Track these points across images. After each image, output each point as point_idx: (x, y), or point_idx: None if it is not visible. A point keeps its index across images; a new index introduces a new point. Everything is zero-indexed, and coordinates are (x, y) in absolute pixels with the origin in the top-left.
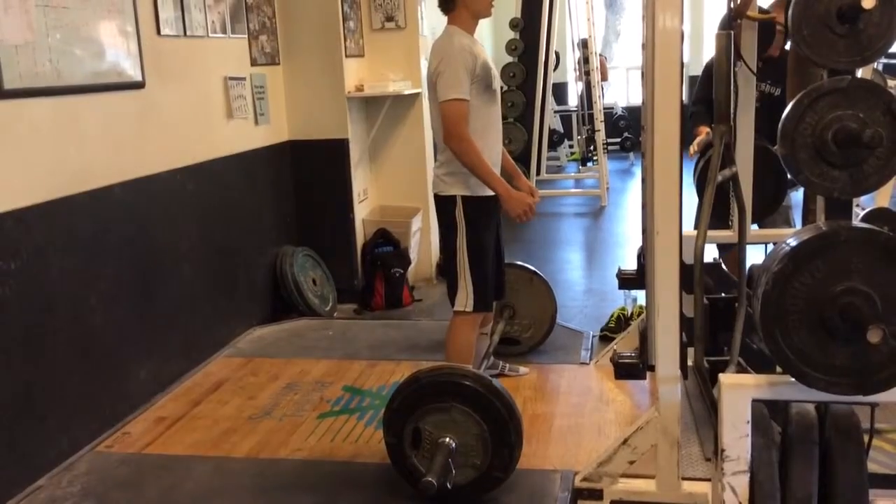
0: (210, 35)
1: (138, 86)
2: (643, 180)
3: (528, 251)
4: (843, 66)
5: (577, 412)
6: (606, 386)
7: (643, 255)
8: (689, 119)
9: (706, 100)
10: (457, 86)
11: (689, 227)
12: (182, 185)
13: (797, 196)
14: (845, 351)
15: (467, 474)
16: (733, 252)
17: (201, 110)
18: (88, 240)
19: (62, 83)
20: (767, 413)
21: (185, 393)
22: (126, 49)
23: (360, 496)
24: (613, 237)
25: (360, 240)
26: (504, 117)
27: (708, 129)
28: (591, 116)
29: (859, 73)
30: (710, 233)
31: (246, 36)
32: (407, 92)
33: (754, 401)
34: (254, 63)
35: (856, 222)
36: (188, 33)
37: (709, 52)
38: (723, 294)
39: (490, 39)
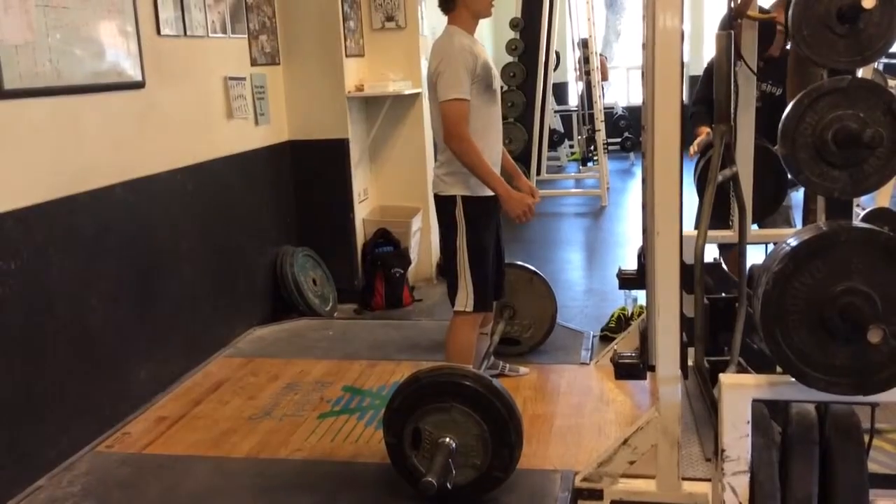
0: (210, 35)
1: (138, 86)
2: (643, 180)
3: (529, 251)
4: (844, 65)
5: (577, 412)
6: (607, 386)
7: (643, 255)
8: (690, 119)
9: (707, 100)
10: (457, 86)
11: (689, 227)
12: (182, 185)
13: (798, 196)
14: (845, 351)
15: (467, 474)
16: (734, 252)
17: (201, 110)
18: (89, 240)
19: (62, 83)
20: (767, 413)
21: (186, 393)
22: (126, 49)
23: (360, 496)
24: (614, 237)
25: (360, 240)
26: (504, 117)
27: (708, 130)
28: (591, 116)
29: (859, 73)
30: (711, 233)
31: (246, 36)
32: (407, 92)
33: (754, 401)
34: (254, 63)
35: (856, 222)
36: (188, 33)
37: (709, 52)
38: (723, 294)
39: (490, 39)
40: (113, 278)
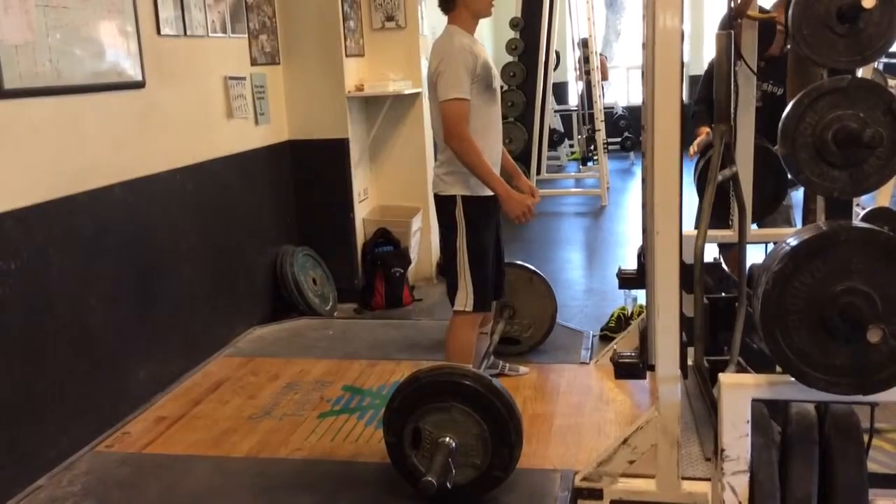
0: (210, 35)
1: (138, 85)
2: (643, 180)
3: (529, 251)
4: (844, 65)
5: (577, 412)
6: (606, 385)
7: (643, 255)
8: (691, 119)
9: (708, 99)
10: (457, 85)
11: (689, 227)
12: (182, 184)
13: (798, 195)
14: (845, 351)
15: (467, 474)
16: (734, 251)
17: (201, 110)
18: (88, 240)
19: (62, 83)
20: (767, 413)
21: (185, 393)
22: (126, 49)
23: (360, 496)
24: (614, 237)
25: (360, 239)
26: (504, 117)
27: (708, 130)
28: (591, 116)
29: (859, 73)
30: (711, 232)
31: (246, 35)
32: (407, 92)
33: (754, 400)
34: (254, 63)
35: (856, 222)
36: (188, 33)
37: (709, 52)
38: (723, 294)
39: (490, 39)
40: (113, 278)
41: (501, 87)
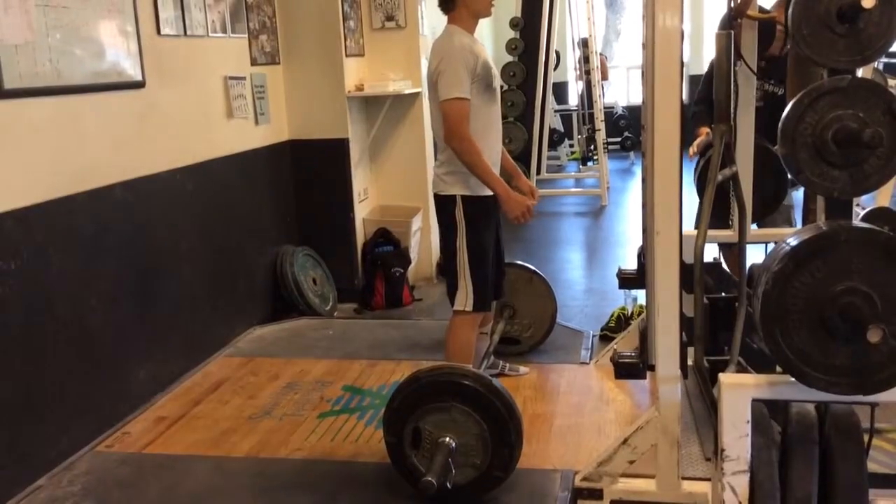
0: (210, 34)
1: (138, 85)
2: (643, 180)
3: (529, 250)
4: (843, 65)
5: (577, 412)
6: (606, 385)
7: (643, 255)
8: (691, 119)
9: (708, 99)
10: (458, 85)
11: (689, 227)
12: (182, 184)
13: (798, 195)
14: (845, 351)
15: (467, 474)
16: (734, 251)
17: (201, 110)
18: (88, 240)
19: (62, 83)
20: (767, 413)
21: (185, 393)
22: (126, 49)
23: (360, 496)
24: (614, 236)
25: (360, 239)
26: (504, 116)
27: (708, 130)
28: (591, 116)
29: (859, 73)
30: (711, 232)
31: (246, 35)
32: (407, 91)
33: (754, 400)
34: (254, 62)
35: (856, 222)
36: (188, 33)
37: (709, 51)
38: (723, 294)
39: (490, 39)
40: (113, 278)
41: (501, 87)
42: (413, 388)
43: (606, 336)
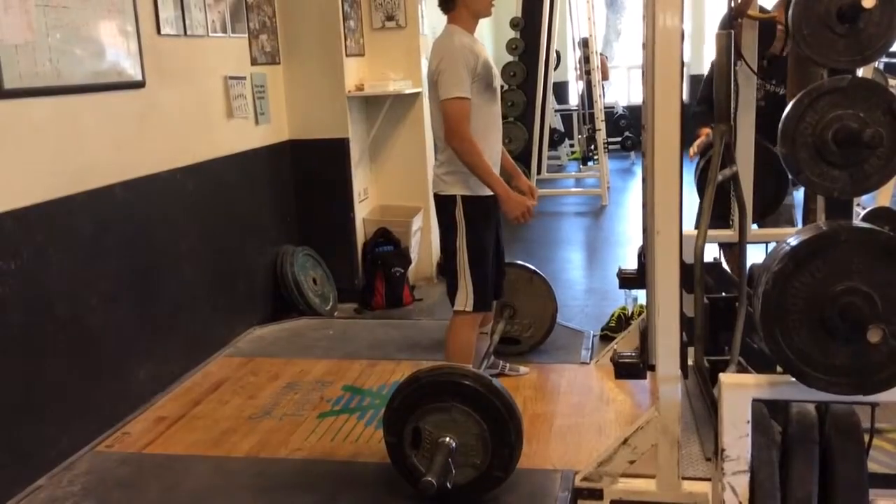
0: (210, 34)
1: (138, 85)
2: (644, 180)
3: (529, 250)
4: (844, 65)
5: (577, 412)
6: (607, 385)
7: (644, 255)
8: (692, 119)
9: (709, 100)
10: (458, 84)
11: (689, 227)
12: (182, 184)
13: (800, 195)
14: (845, 351)
15: (467, 474)
16: (734, 251)
17: (201, 110)
18: (88, 240)
19: (62, 83)
20: (767, 413)
21: (185, 393)
22: (126, 48)
23: (360, 496)
24: (614, 236)
25: (360, 239)
26: (504, 116)
27: (709, 131)
28: (591, 115)
29: (860, 73)
30: (711, 232)
31: (246, 35)
32: (407, 91)
33: (754, 400)
34: (254, 62)
35: (856, 222)
36: (188, 33)
37: (709, 51)
38: (723, 294)
39: (490, 38)
40: (113, 278)
41: (502, 87)
42: (413, 388)
43: (607, 336)
